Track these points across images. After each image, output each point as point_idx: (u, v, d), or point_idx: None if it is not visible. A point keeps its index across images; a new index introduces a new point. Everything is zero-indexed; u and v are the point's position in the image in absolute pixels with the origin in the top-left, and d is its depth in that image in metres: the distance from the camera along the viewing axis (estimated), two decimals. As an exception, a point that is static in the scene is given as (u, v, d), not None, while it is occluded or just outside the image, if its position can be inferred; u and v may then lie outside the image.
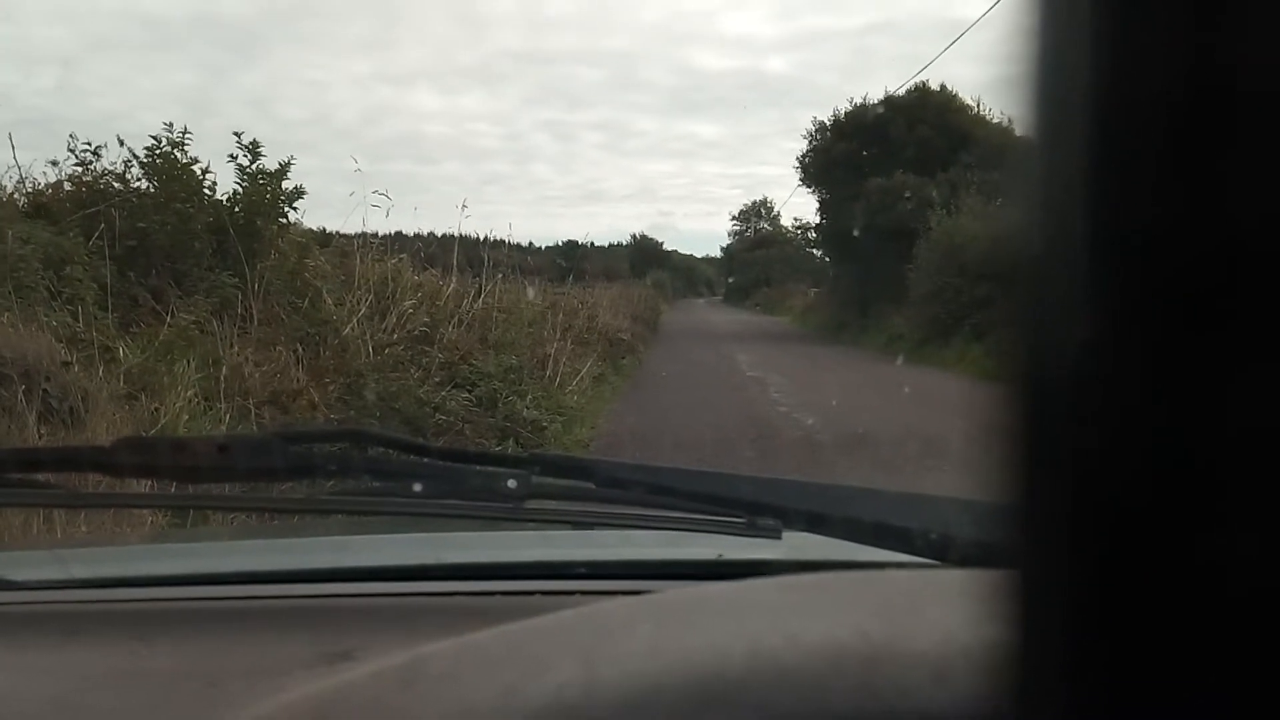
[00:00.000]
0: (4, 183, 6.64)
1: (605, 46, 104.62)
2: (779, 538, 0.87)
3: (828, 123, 22.43)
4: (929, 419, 7.13)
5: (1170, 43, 0.19)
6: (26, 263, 5.29)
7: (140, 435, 3.32)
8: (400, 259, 8.84)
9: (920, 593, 0.47)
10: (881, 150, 20.43)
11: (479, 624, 0.48)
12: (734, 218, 55.79)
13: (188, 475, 0.91)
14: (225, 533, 1.80)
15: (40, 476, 0.98)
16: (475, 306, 8.84)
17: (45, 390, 4.25)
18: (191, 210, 6.65)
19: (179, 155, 6.78)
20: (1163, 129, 0.19)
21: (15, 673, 0.73)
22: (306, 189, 7.38)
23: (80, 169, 6.75)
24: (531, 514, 0.91)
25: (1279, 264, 0.19)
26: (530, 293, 11.26)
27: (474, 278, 9.68)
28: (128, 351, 5.32)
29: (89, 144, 6.77)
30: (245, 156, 7.11)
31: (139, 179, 6.76)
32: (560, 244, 39.16)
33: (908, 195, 18.48)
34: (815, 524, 0.87)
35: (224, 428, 4.94)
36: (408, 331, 7.45)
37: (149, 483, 1.42)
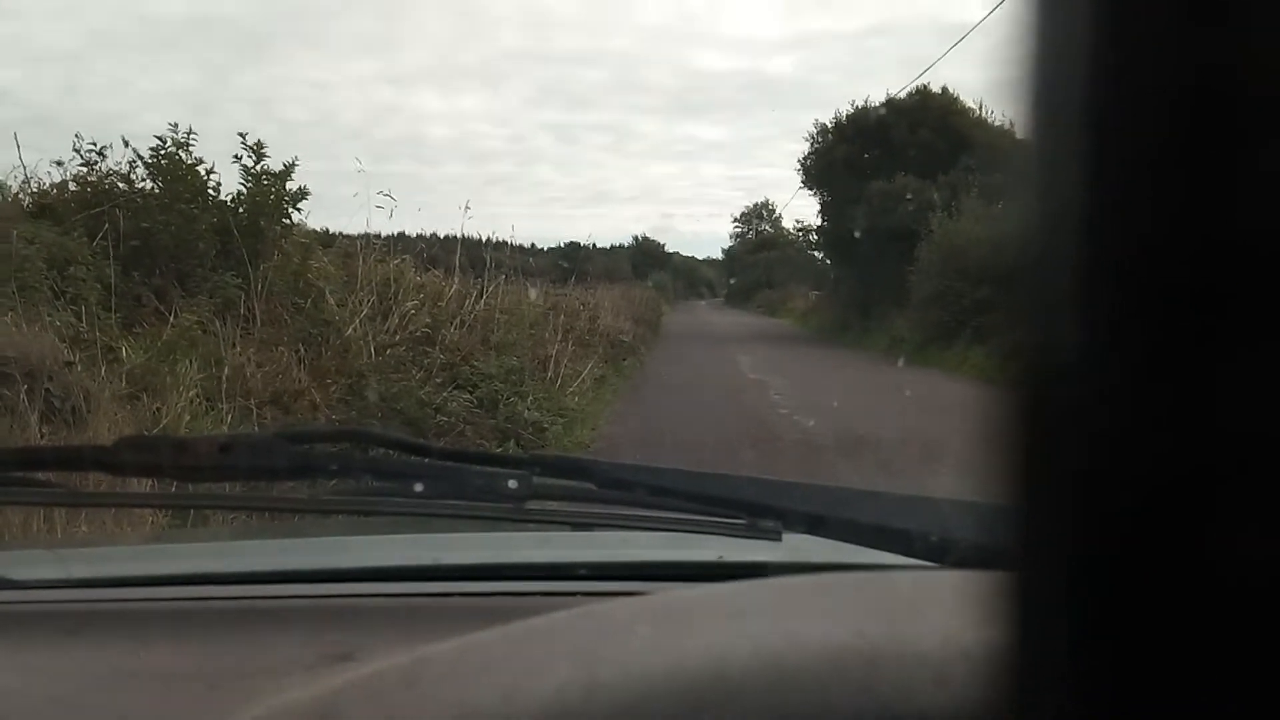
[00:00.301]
0: (9, 183, 6.66)
1: (608, 47, 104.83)
2: (779, 539, 0.87)
3: (829, 125, 22.46)
4: (929, 422, 7.12)
5: (1167, 45, 0.19)
6: (31, 262, 5.30)
7: (141, 434, 3.32)
8: (403, 260, 8.84)
9: (920, 595, 0.47)
10: (883, 153, 20.43)
11: (480, 625, 0.48)
12: (735, 220, 55.85)
13: (189, 475, 0.91)
14: (226, 532, 1.80)
15: (41, 475, 0.98)
16: (477, 308, 8.84)
17: (48, 390, 4.26)
18: (196, 211, 6.66)
19: (183, 156, 6.80)
20: (1160, 132, 0.19)
21: (15, 672, 0.73)
22: (310, 190, 7.40)
23: (85, 169, 6.77)
24: (532, 515, 0.91)
25: (1273, 267, 0.19)
26: (532, 294, 11.26)
27: (476, 279, 9.68)
28: (130, 351, 5.32)
29: (94, 144, 6.80)
30: (249, 157, 7.13)
31: (144, 179, 6.78)
32: (562, 245, 39.22)
33: (909, 198, 18.48)
34: (815, 526, 0.87)
35: (226, 428, 4.94)
36: (410, 332, 7.45)
37: (150, 482, 1.42)
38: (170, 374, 5.17)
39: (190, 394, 5.05)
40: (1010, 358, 0.22)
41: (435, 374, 6.96)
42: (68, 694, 0.68)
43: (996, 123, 18.52)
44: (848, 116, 22.16)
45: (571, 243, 39.84)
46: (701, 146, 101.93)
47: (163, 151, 6.75)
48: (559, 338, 10.03)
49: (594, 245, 47.52)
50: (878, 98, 22.40)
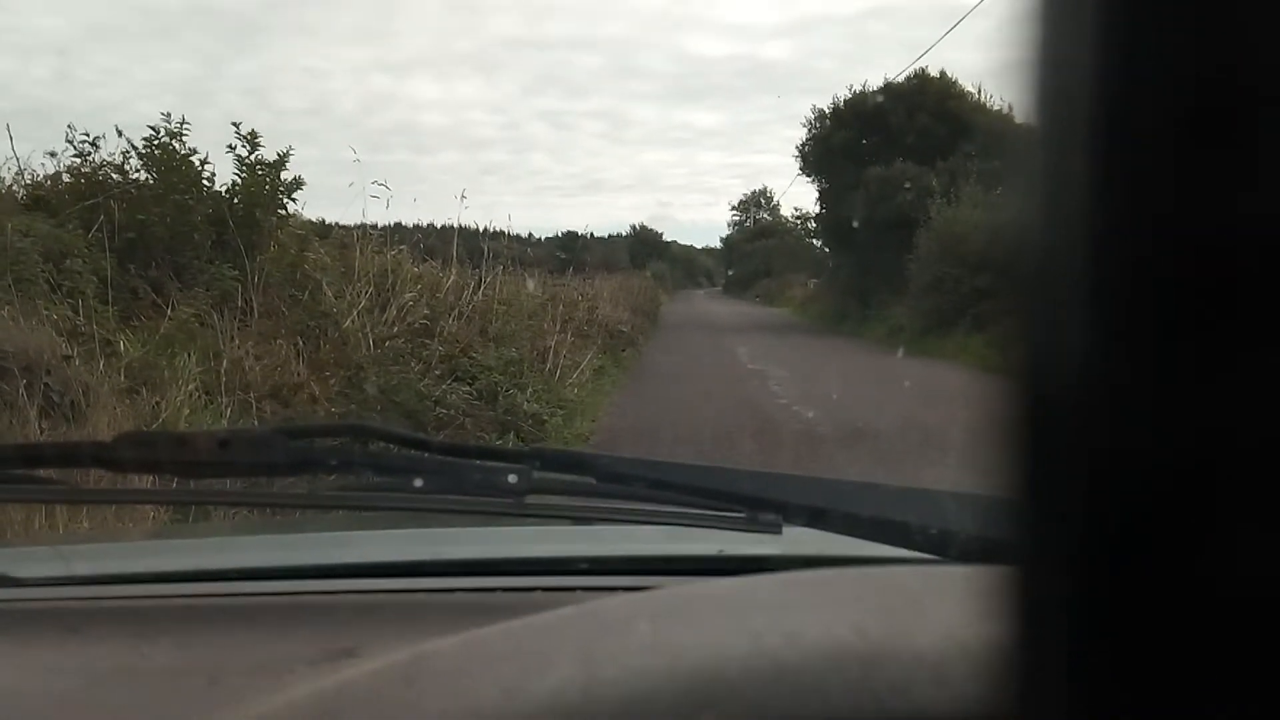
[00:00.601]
0: (3, 174, 6.63)
1: (603, 33, 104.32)
2: (779, 533, 0.87)
3: (827, 111, 22.33)
4: (929, 412, 7.13)
5: (1173, 31, 0.19)
6: (26, 255, 5.28)
7: (141, 430, 3.32)
8: (400, 251, 8.82)
9: (920, 590, 0.47)
10: (881, 138, 20.34)
11: (480, 620, 0.48)
12: (733, 208, 55.83)
13: (189, 470, 0.91)
14: (227, 528, 1.81)
15: (41, 472, 0.98)
16: (475, 299, 8.82)
17: (46, 384, 4.25)
18: (190, 202, 6.63)
19: (177, 146, 6.75)
20: (1166, 118, 0.19)
21: (17, 669, 0.73)
22: (305, 180, 7.37)
23: (79, 160, 6.73)
24: (532, 509, 0.91)
25: (1277, 259, 0.18)
26: (530, 285, 11.24)
27: (474, 269, 9.66)
28: (128, 345, 5.32)
29: (87, 135, 6.75)
30: (244, 147, 7.08)
31: (138, 170, 6.74)
32: (560, 235, 39.20)
33: (907, 184, 18.42)
34: (816, 519, 0.87)
35: (225, 422, 4.94)
36: (408, 324, 7.44)
37: (150, 478, 1.42)
38: (169, 367, 5.17)
39: (189, 387, 5.05)
40: (1010, 349, 0.22)
41: (434, 366, 6.95)
42: (69, 691, 0.68)
43: (996, 107, 18.46)
44: (846, 102, 22.03)
45: (569, 232, 39.84)
46: (698, 133, 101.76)
47: (156, 142, 6.71)
48: (557, 329, 10.02)
49: (591, 235, 47.50)
50: (876, 82, 22.30)
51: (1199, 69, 0.19)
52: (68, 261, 5.60)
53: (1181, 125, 0.19)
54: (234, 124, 7.08)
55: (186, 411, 4.84)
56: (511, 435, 6.28)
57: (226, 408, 5.18)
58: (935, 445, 5.07)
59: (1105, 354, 0.20)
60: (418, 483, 0.89)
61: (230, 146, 7.08)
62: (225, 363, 5.53)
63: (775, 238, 42.81)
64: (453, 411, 6.27)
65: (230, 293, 6.38)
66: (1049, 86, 0.21)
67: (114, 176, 6.64)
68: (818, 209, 24.04)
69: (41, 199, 6.48)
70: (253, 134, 7.11)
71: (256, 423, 4.94)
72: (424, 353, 7.09)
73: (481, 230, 11.13)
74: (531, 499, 0.89)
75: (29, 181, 6.75)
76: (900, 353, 13.49)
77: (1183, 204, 0.19)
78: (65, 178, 6.74)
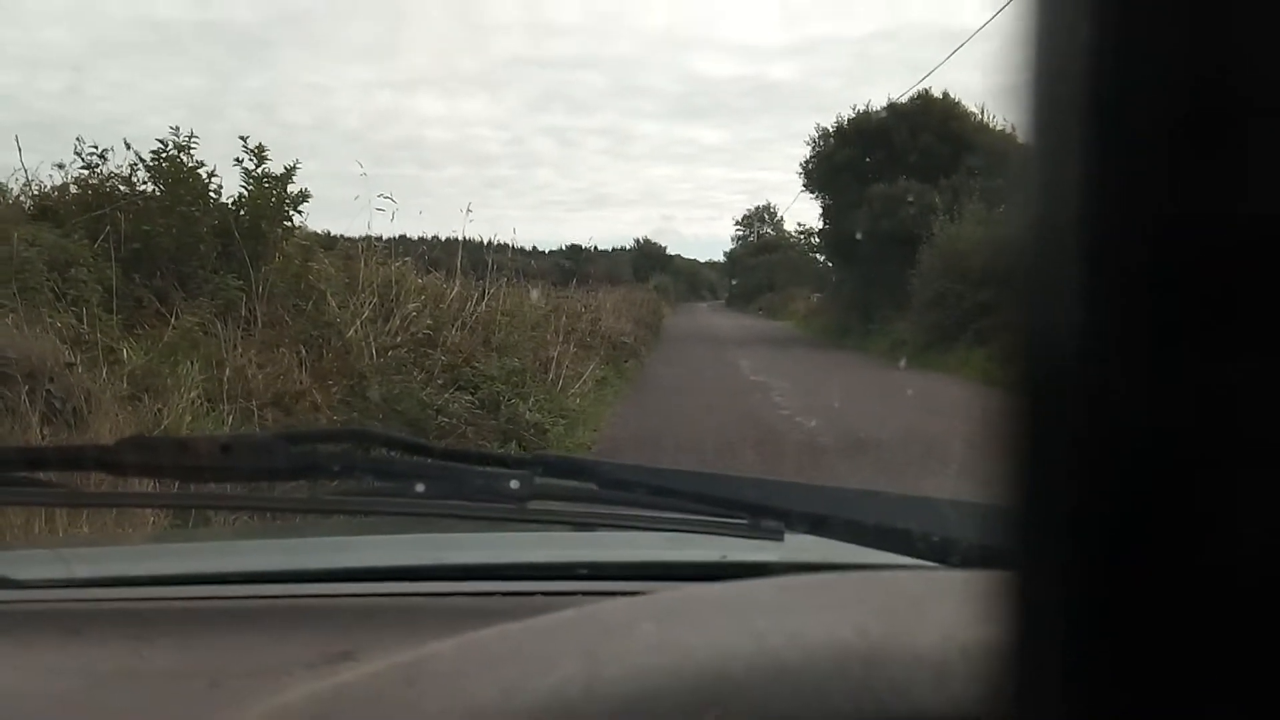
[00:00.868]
0: (10, 185, 6.67)
1: (608, 52, 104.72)
2: (782, 539, 0.87)
3: (831, 129, 22.44)
4: (931, 423, 7.12)
5: (1166, 51, 0.19)
6: (32, 264, 5.30)
7: (143, 435, 3.32)
8: (404, 262, 8.85)
9: (921, 595, 0.47)
10: (885, 156, 20.44)
11: (481, 624, 0.48)
12: (737, 222, 55.90)
13: (190, 475, 0.91)
14: (227, 532, 1.81)
15: (43, 475, 0.98)
16: (479, 309, 8.84)
17: (49, 391, 4.26)
18: (197, 213, 6.66)
19: (185, 159, 6.80)
20: (1158, 135, 0.19)
21: (18, 672, 0.73)
22: (311, 192, 7.40)
23: (86, 172, 6.78)
24: (534, 515, 0.91)
25: (1273, 270, 0.19)
26: (534, 296, 11.27)
27: (478, 281, 9.68)
28: (131, 353, 5.33)
29: (95, 147, 6.80)
30: (250, 160, 7.13)
31: (145, 182, 6.78)
32: (564, 248, 39.27)
33: (911, 201, 18.49)
34: (817, 526, 0.87)
35: (227, 429, 4.94)
36: (411, 334, 7.45)
37: (151, 482, 1.42)
38: (171, 375, 5.18)
39: (191, 395, 5.05)
40: (1009, 360, 0.22)
41: (437, 375, 6.96)
42: (70, 693, 0.68)
43: (998, 127, 18.52)
44: (849, 120, 22.15)
45: (573, 245, 39.92)
46: (702, 149, 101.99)
47: (164, 154, 6.76)
48: (560, 339, 10.03)
49: (595, 248, 47.62)
50: (880, 102, 22.41)
51: (1191, 76, 0.19)
52: (73, 270, 5.62)
53: (1173, 132, 0.19)
54: (241, 137, 7.14)
55: (189, 419, 4.85)
56: (513, 444, 6.28)
57: (229, 415, 5.18)
58: (936, 456, 5.06)
59: (1100, 363, 0.20)
60: (419, 488, 0.89)
61: (237, 159, 7.13)
62: (228, 371, 5.54)
63: (778, 252, 42.89)
64: (455, 420, 6.27)
65: (234, 302, 6.40)
66: (1044, 96, 0.21)
67: (121, 188, 6.68)
68: (821, 224, 24.12)
69: (48, 209, 6.51)
70: (260, 147, 7.15)
71: (258, 430, 4.95)
72: (427, 362, 7.10)
73: (486, 243, 11.19)
74: (533, 504, 0.89)
75: (36, 192, 6.79)
76: (902, 366, 13.49)
77: (1175, 212, 0.19)
78: (72, 189, 6.79)
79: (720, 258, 62.49)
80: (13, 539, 2.74)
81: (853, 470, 5.69)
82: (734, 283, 53.53)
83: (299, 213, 7.36)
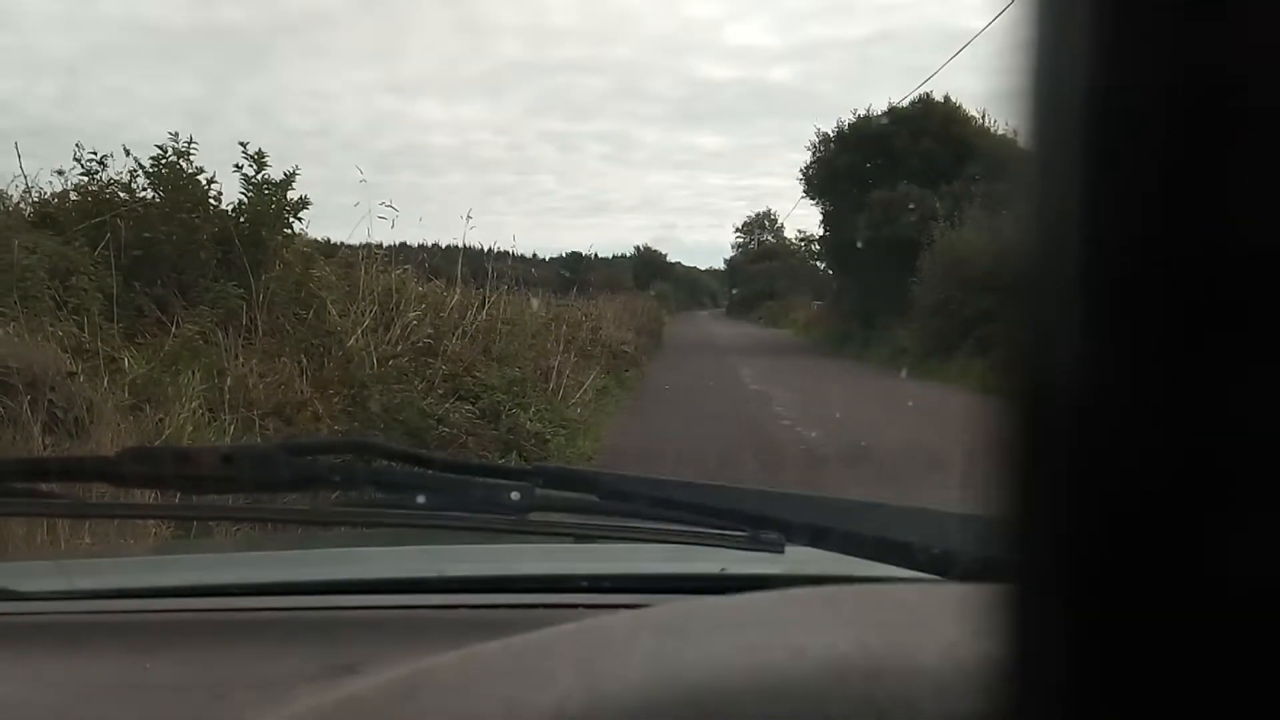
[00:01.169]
0: (10, 192, 6.67)
1: (608, 56, 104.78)
2: (782, 552, 0.87)
3: (831, 134, 22.42)
4: (931, 433, 7.11)
5: (1165, 55, 0.19)
6: (32, 272, 5.30)
7: (145, 445, 3.32)
8: (405, 270, 8.85)
9: (921, 607, 0.47)
10: (885, 162, 20.41)
11: (482, 636, 0.48)
12: (737, 230, 55.93)
13: (192, 486, 0.91)
14: (229, 544, 1.81)
15: (44, 486, 0.99)
16: (479, 318, 8.84)
17: (50, 400, 4.26)
18: (197, 220, 6.66)
19: (184, 165, 6.80)
20: (1158, 140, 0.19)
21: (19, 683, 0.73)
22: (311, 199, 7.40)
23: (86, 179, 6.78)
24: (534, 526, 0.91)
25: (1274, 274, 0.19)
26: (534, 304, 11.27)
27: (478, 289, 9.68)
28: (133, 362, 5.32)
29: (94, 154, 6.80)
30: (250, 166, 7.13)
31: (144, 189, 6.78)
32: (564, 255, 39.32)
33: (911, 207, 18.47)
34: (818, 538, 0.87)
35: (228, 439, 4.94)
36: (412, 343, 7.45)
37: (153, 493, 1.42)
38: (173, 384, 5.17)
39: (193, 405, 5.05)
40: (1008, 369, 0.22)
41: (437, 385, 6.96)
42: (72, 705, 0.68)
43: (999, 131, 18.50)
44: (850, 125, 22.11)
45: (573, 253, 39.97)
46: (703, 156, 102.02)
47: (163, 161, 6.75)
48: (561, 348, 10.03)
49: (596, 255, 47.56)
50: (880, 106, 22.39)
51: (1190, 91, 0.19)
52: (73, 279, 5.62)
53: (1171, 145, 0.19)
54: (241, 143, 7.14)
55: (190, 428, 4.85)
56: (514, 454, 6.28)
57: (230, 425, 5.18)
58: (937, 466, 5.05)
59: (1099, 372, 0.20)
60: (420, 499, 0.89)
61: (237, 166, 7.14)
62: (229, 380, 5.53)
63: (779, 260, 42.92)
64: (455, 430, 6.27)
65: (235, 311, 6.40)
66: (1045, 108, 0.21)
67: (121, 195, 6.68)
68: (821, 231, 24.15)
69: (49, 216, 6.51)
70: (259, 154, 7.16)
71: (260, 440, 4.94)
72: (427, 371, 7.10)
73: (486, 250, 11.19)
74: (534, 516, 0.89)
75: (36, 199, 6.79)
76: (903, 375, 13.47)
77: (1176, 219, 0.19)
78: (72, 196, 6.78)
79: (720, 265, 62.61)
80: (15, 550, 2.73)
81: (854, 480, 5.68)
82: (734, 290, 53.56)
83: (299, 220, 7.37)
